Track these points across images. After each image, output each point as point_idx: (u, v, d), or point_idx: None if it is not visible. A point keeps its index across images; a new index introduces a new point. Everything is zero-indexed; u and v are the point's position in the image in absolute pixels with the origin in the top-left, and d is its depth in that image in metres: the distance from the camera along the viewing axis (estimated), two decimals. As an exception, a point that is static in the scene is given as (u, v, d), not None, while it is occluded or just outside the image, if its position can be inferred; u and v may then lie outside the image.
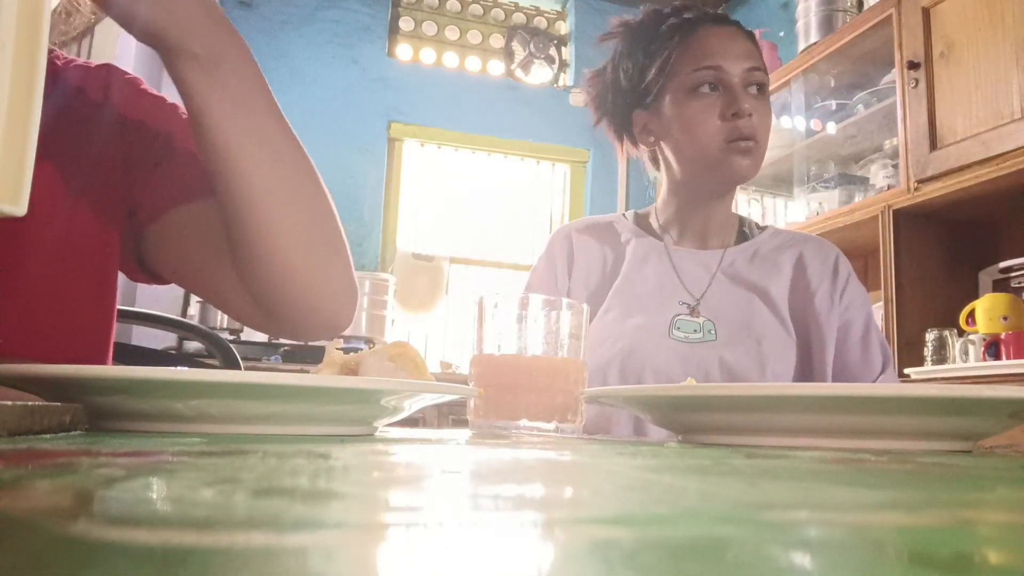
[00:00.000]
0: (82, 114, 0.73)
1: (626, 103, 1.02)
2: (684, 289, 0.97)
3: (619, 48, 1.03)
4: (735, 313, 0.95)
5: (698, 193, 0.99)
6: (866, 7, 2.37)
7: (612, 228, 1.06)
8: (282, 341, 3.11)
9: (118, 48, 2.38)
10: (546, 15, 4.05)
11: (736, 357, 0.90)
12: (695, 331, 0.93)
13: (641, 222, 1.07)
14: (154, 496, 0.16)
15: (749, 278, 0.98)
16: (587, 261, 1.03)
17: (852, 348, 0.95)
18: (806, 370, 0.94)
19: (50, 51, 0.74)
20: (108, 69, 0.76)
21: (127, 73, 0.77)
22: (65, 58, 0.76)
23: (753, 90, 0.93)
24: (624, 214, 1.10)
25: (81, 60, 0.77)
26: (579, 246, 1.03)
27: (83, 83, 0.74)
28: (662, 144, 0.99)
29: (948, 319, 2.06)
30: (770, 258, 1.01)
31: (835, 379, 0.95)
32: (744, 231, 1.06)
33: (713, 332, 0.93)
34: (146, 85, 0.78)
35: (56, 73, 0.73)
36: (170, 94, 0.77)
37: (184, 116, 0.76)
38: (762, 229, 1.07)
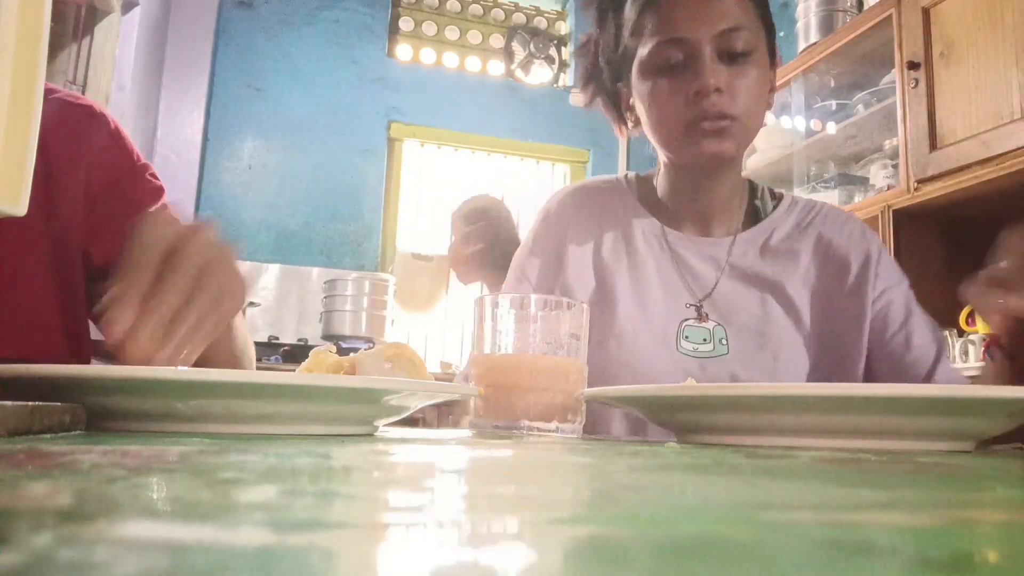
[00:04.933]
0: (47, 146, 0.74)
1: (612, 76, 0.90)
2: (687, 287, 0.85)
3: (597, 13, 0.92)
4: (747, 318, 0.83)
5: (685, 176, 0.87)
6: (866, 7, 2.37)
7: (612, 200, 0.93)
8: (282, 341, 3.11)
9: (118, 48, 2.38)
10: (546, 15, 4.05)
11: (749, 375, 0.80)
12: (704, 340, 0.82)
13: (644, 190, 0.93)
14: (154, 496, 0.16)
15: (762, 272, 0.85)
16: (583, 236, 0.90)
17: (894, 339, 0.82)
18: (828, 374, 0.82)
19: None
20: (91, 113, 0.77)
21: (110, 123, 0.78)
22: (48, 88, 0.76)
23: (731, 58, 0.79)
24: (627, 177, 0.96)
25: (64, 92, 0.77)
26: (575, 220, 0.92)
27: (59, 117, 0.74)
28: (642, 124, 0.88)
29: (948, 319, 2.06)
30: (785, 245, 0.87)
31: (878, 377, 0.82)
32: (756, 205, 0.92)
33: (725, 342, 0.82)
34: (126, 139, 0.79)
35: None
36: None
37: (153, 182, 0.80)
38: (776, 198, 0.93)
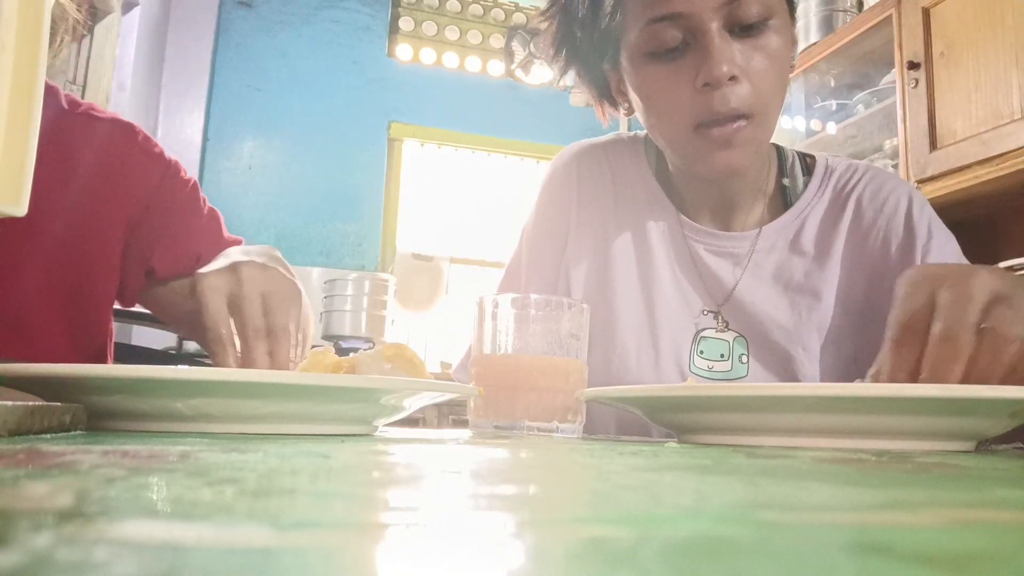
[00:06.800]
0: (76, 162, 0.75)
1: (593, 49, 0.74)
2: (706, 289, 0.74)
3: None
4: (772, 330, 0.71)
5: (695, 179, 0.76)
6: (866, 7, 2.37)
7: (625, 168, 0.81)
8: (282, 341, 3.11)
9: (118, 48, 2.38)
10: (546, 15, 4.04)
11: None
12: (722, 356, 0.72)
13: (661, 161, 0.79)
14: (154, 496, 0.16)
15: (793, 275, 0.73)
16: (589, 212, 0.81)
17: None
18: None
19: (54, 89, 0.75)
20: (119, 127, 0.79)
21: (138, 133, 0.80)
22: (71, 100, 0.77)
23: (744, 31, 0.63)
24: (646, 139, 0.81)
25: (87, 105, 0.78)
26: (581, 189, 0.83)
27: (87, 132, 0.76)
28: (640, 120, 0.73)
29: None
30: (821, 237, 0.73)
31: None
32: (784, 185, 0.77)
33: (745, 360, 0.71)
34: (155, 145, 0.81)
35: (61, 116, 0.75)
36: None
37: (187, 179, 0.83)
38: (809, 169, 0.77)
